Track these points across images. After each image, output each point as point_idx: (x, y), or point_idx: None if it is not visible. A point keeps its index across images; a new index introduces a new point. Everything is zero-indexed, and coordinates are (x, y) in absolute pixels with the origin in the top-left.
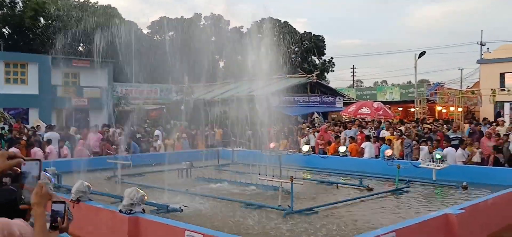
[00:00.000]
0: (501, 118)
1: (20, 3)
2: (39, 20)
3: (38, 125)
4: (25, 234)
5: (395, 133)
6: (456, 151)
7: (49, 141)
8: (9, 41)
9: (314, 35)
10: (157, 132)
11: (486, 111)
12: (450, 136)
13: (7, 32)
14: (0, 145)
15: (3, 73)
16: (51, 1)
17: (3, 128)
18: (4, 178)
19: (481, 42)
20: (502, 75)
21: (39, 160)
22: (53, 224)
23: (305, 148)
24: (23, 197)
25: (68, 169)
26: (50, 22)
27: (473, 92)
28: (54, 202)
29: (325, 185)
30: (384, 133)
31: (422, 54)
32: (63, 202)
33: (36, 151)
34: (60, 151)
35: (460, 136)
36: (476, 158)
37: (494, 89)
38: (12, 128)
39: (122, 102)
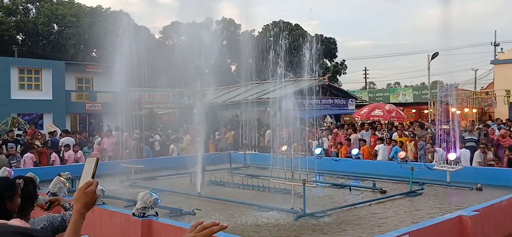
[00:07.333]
0: None
1: (34, 9)
2: (52, 26)
3: (55, 131)
4: None
5: (404, 134)
6: (471, 153)
7: (67, 146)
8: (22, 47)
9: (326, 37)
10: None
11: (501, 112)
12: (465, 138)
13: (20, 39)
14: (15, 150)
15: (17, 79)
16: (64, 7)
17: (11, 130)
18: (18, 179)
19: (495, 43)
20: None
21: (97, 158)
22: None
23: (317, 151)
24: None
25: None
26: (63, 28)
27: (487, 93)
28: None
29: (338, 188)
30: (397, 136)
31: (435, 55)
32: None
33: (55, 156)
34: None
35: (475, 138)
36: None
37: (509, 90)
38: (27, 133)
39: (135, 107)
